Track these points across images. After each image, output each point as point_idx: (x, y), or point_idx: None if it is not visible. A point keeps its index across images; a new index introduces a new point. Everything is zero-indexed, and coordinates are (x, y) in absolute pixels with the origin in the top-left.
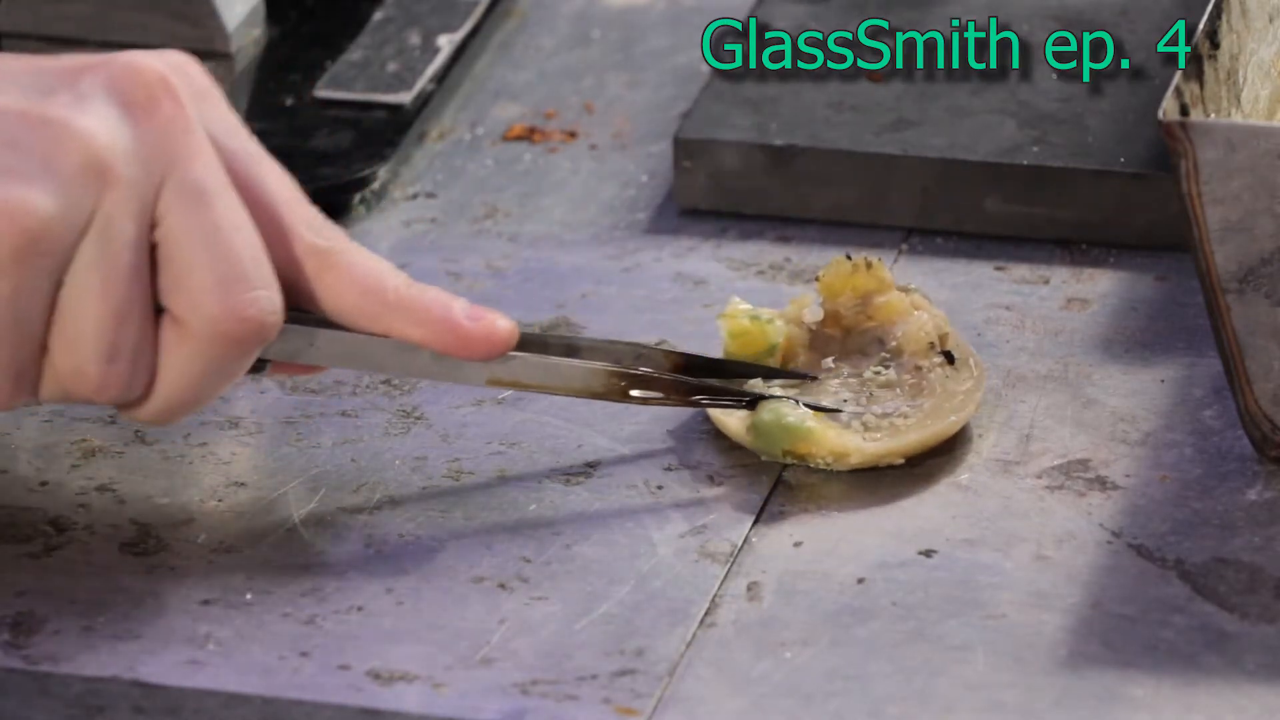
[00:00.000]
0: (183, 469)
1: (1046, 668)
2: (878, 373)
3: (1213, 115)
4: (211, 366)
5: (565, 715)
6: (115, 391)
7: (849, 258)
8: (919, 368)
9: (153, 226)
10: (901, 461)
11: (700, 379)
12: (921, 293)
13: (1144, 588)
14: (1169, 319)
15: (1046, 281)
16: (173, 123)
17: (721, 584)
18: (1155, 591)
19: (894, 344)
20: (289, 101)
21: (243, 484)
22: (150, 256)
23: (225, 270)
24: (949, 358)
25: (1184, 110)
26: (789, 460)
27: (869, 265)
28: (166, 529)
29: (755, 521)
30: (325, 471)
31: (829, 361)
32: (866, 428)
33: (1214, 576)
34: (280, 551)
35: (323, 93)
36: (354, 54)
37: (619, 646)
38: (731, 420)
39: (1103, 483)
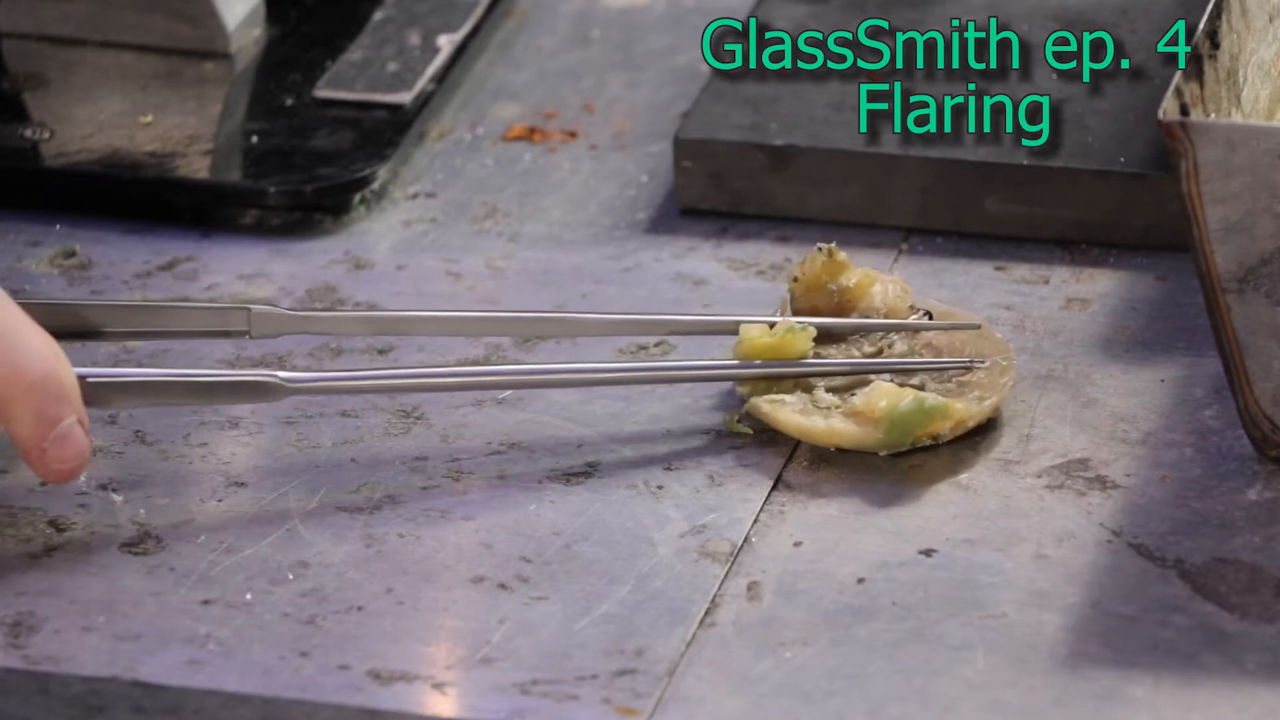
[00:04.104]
0: (183, 469)
1: (1046, 668)
2: (890, 345)
3: (1213, 115)
4: None
5: (565, 715)
6: None
7: (820, 249)
8: (916, 331)
9: None
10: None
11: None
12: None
13: (1144, 587)
14: (1169, 319)
15: (1046, 281)
16: None
17: (721, 584)
18: (1155, 591)
19: (881, 316)
20: (289, 101)
21: (243, 484)
22: None
23: None
24: (929, 315)
25: (1184, 110)
26: (913, 446)
27: (830, 253)
28: (166, 529)
29: (755, 521)
30: (325, 471)
31: (832, 350)
32: (945, 394)
33: (1214, 576)
34: (280, 551)
35: (323, 93)
36: (354, 54)
37: (619, 646)
38: (816, 427)
39: (1103, 482)
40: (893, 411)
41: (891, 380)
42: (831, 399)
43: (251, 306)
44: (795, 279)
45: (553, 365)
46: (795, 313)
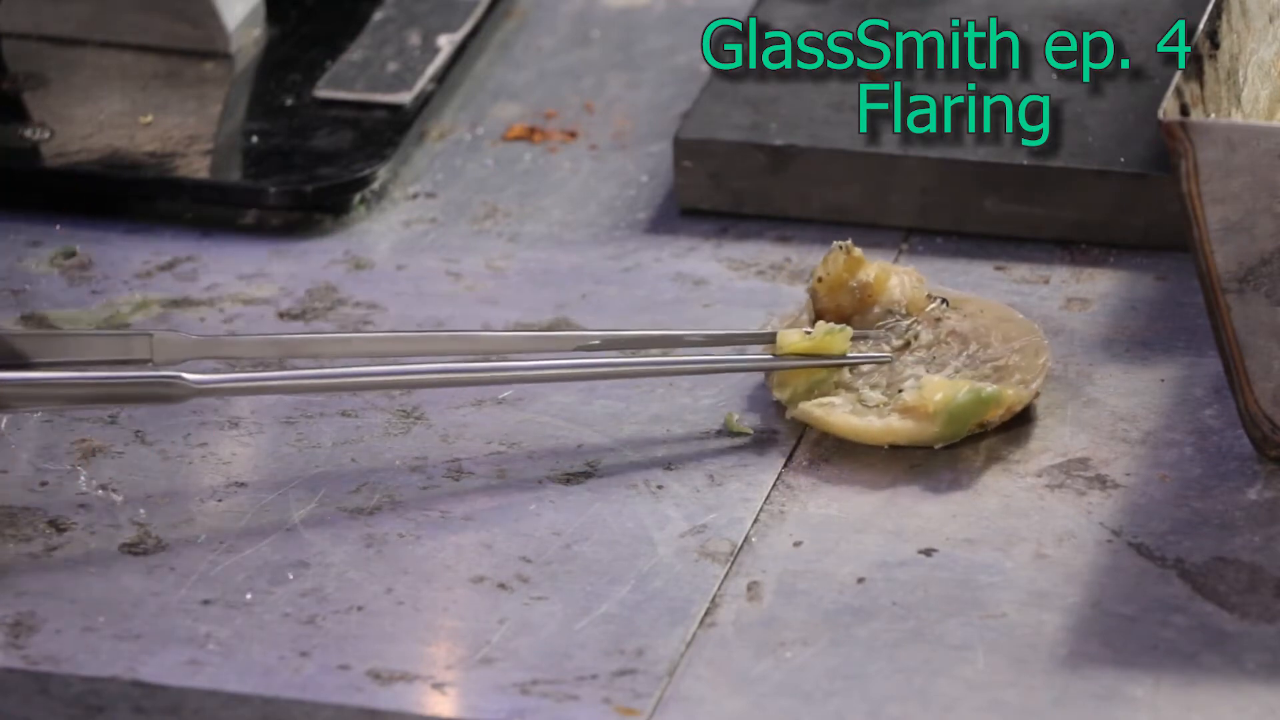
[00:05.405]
0: (183, 469)
1: (1046, 668)
2: (916, 337)
3: (1213, 115)
4: None
5: (565, 715)
6: None
7: (840, 247)
8: (938, 320)
9: None
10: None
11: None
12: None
13: (1144, 587)
14: (1169, 319)
15: (1046, 281)
16: None
17: (721, 584)
18: (1155, 591)
19: (903, 309)
20: (289, 101)
21: (243, 484)
22: None
23: None
24: (945, 302)
25: (1184, 110)
26: (970, 433)
27: (848, 249)
28: (166, 529)
29: (755, 521)
30: (325, 471)
31: (862, 346)
32: (983, 380)
33: (1214, 576)
34: (280, 551)
35: (323, 93)
36: (354, 54)
37: (619, 646)
38: (873, 426)
39: (1103, 482)
40: (950, 404)
41: (928, 371)
42: (879, 396)
43: (154, 332)
44: (819, 279)
45: (520, 363)
46: (818, 313)
